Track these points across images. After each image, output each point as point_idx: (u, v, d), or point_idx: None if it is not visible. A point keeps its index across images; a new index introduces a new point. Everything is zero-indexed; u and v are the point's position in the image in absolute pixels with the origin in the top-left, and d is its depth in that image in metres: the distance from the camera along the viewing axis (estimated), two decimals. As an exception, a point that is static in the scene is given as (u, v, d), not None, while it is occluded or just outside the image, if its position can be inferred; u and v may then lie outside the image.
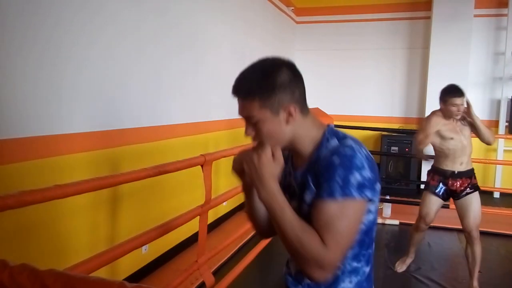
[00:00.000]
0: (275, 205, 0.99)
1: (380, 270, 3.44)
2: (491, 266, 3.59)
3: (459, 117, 2.98)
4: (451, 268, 3.66)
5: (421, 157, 3.16)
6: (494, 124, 6.21)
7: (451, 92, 2.92)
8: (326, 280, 0.98)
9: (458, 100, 2.90)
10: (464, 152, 3.02)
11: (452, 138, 2.98)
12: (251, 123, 1.06)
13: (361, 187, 0.97)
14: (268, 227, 1.20)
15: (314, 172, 1.04)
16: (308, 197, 1.06)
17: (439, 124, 3.03)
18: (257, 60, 1.07)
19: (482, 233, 4.35)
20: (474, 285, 3.02)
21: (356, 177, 0.97)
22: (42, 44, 2.13)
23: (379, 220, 4.78)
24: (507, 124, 6.07)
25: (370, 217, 1.07)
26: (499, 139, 6.06)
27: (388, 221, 4.78)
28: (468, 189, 3.04)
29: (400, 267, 3.46)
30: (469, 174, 3.06)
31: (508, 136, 5.89)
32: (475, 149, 3.15)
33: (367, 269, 1.15)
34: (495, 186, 6.11)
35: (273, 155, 1.02)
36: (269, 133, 1.05)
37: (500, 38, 6.21)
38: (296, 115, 1.06)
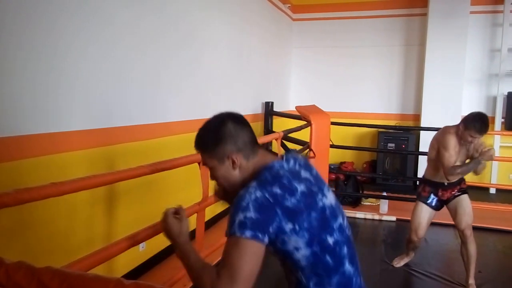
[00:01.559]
0: (183, 257, 1.20)
1: (377, 265, 3.45)
2: (487, 262, 3.61)
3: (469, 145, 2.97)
4: (448, 264, 3.68)
5: (477, 172, 3.10)
6: (490, 120, 6.21)
7: (477, 128, 2.81)
8: None
9: (479, 135, 2.85)
10: None
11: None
12: (209, 169, 1.30)
13: (241, 226, 1.08)
14: None
15: None
16: None
17: (456, 144, 2.99)
18: (210, 117, 1.30)
19: (479, 228, 4.39)
20: (470, 282, 3.04)
21: (238, 217, 1.10)
22: (39, 42, 2.12)
23: (376, 217, 4.80)
24: (503, 120, 6.10)
25: (303, 252, 1.16)
26: (495, 135, 6.08)
27: (385, 217, 4.80)
28: (456, 192, 3.12)
29: (397, 263, 3.48)
30: (458, 182, 3.13)
31: (504, 133, 5.91)
32: (471, 145, 3.15)
33: (351, 270, 1.23)
34: (491, 182, 6.13)
35: (177, 214, 1.30)
36: (221, 177, 1.28)
37: (496, 35, 6.22)
38: (238, 161, 1.24)
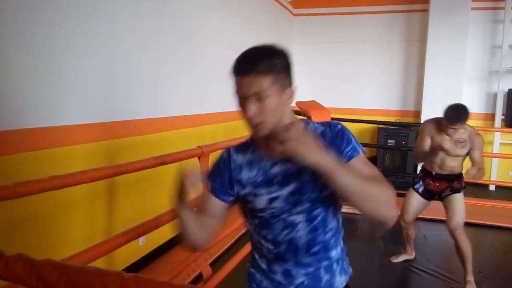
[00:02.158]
0: (341, 169, 0.99)
1: (376, 261, 3.46)
2: (486, 259, 3.62)
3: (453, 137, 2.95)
4: (446, 260, 3.68)
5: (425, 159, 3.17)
6: (491, 117, 6.23)
7: (448, 118, 2.84)
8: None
9: (451, 126, 2.85)
10: (444, 162, 3.06)
11: (435, 146, 2.99)
12: (257, 99, 1.06)
13: (360, 145, 1.16)
14: (198, 243, 1.22)
15: (326, 145, 1.11)
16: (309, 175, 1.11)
17: (432, 131, 3.05)
18: (258, 45, 1.11)
19: (478, 225, 4.40)
20: (468, 279, 3.02)
21: (355, 140, 1.16)
22: (40, 37, 2.11)
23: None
24: (503, 117, 6.09)
25: None
26: (495, 132, 6.08)
27: (384, 214, 4.79)
28: (447, 191, 3.09)
29: (395, 258, 3.50)
30: (449, 178, 3.10)
31: (504, 130, 5.91)
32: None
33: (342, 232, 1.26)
34: (491, 179, 6.14)
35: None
36: (274, 110, 1.07)
37: (497, 31, 6.20)
38: (292, 98, 1.13)
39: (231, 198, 1.22)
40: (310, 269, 1.18)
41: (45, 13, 2.15)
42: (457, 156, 3.02)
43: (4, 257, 0.83)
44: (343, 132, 1.15)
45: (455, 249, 3.11)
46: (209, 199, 1.22)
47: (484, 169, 3.00)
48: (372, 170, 1.12)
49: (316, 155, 0.96)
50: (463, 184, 3.13)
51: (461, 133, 2.93)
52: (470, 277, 3.03)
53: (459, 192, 3.08)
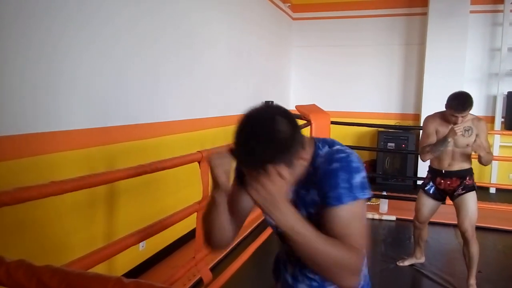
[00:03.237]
0: (299, 228, 0.95)
1: (377, 265, 3.45)
2: (488, 261, 3.61)
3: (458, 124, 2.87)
4: (448, 263, 3.68)
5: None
6: (490, 120, 6.23)
7: (453, 106, 2.80)
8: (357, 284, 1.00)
9: (458, 114, 2.81)
10: (454, 157, 3.00)
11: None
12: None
13: (363, 187, 1.01)
14: (223, 241, 1.20)
15: (314, 183, 1.06)
16: (309, 210, 1.09)
17: (436, 126, 3.01)
18: (251, 118, 1.00)
19: (479, 228, 4.36)
20: (470, 282, 3.00)
21: (357, 179, 1.01)
22: (39, 42, 2.11)
23: (376, 216, 4.80)
24: (503, 120, 6.10)
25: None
26: (495, 135, 6.08)
27: (385, 217, 4.79)
28: (460, 190, 3.01)
29: (402, 262, 3.48)
30: (460, 174, 3.02)
31: (504, 132, 5.90)
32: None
33: (365, 271, 1.19)
34: (491, 182, 6.13)
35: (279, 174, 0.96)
36: (290, 180, 1.01)
37: (496, 34, 6.22)
38: (305, 155, 1.06)
39: None
40: (314, 284, 1.17)
41: (44, 18, 2.15)
42: (466, 146, 2.94)
43: (5, 263, 0.83)
44: (335, 173, 1.02)
45: (462, 250, 3.07)
46: (240, 192, 1.18)
47: (492, 153, 2.92)
48: (350, 228, 0.99)
49: (277, 212, 0.94)
50: (474, 181, 3.05)
51: (466, 120, 2.89)
52: (473, 280, 3.00)
53: (472, 190, 2.99)
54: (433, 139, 3.00)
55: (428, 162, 3.21)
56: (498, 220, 4.60)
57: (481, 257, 3.11)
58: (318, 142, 1.12)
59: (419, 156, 3.08)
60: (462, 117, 2.81)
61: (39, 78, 2.14)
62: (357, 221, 1.00)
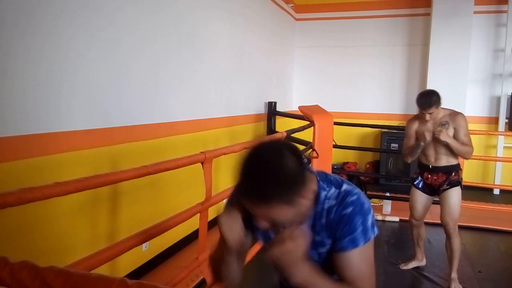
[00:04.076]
0: (317, 282, 0.99)
1: (381, 267, 3.45)
2: (490, 263, 3.60)
3: (430, 121, 3.00)
4: (451, 265, 3.67)
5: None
6: (494, 121, 6.21)
7: (418, 104, 2.97)
8: None
9: (423, 111, 2.94)
10: (437, 151, 3.07)
11: (421, 137, 3.00)
12: (274, 224, 1.00)
13: (373, 227, 1.06)
14: (234, 281, 1.24)
15: (324, 226, 1.08)
16: (319, 251, 1.11)
17: (415, 127, 3.16)
18: (260, 151, 0.98)
19: (482, 229, 4.38)
20: (452, 276, 3.07)
21: (370, 221, 1.05)
22: (40, 43, 2.12)
23: (379, 217, 4.79)
24: (507, 121, 6.07)
25: None
26: (499, 136, 6.06)
27: (388, 218, 4.79)
28: (445, 185, 3.07)
29: (405, 265, 3.48)
30: (447, 170, 3.08)
31: (508, 133, 5.88)
32: (475, 145, 3.14)
33: None
34: (495, 183, 6.11)
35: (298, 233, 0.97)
36: (294, 219, 1.01)
37: (500, 35, 6.20)
38: (308, 195, 1.03)
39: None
40: None
41: (46, 18, 2.16)
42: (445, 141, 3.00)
43: (9, 264, 0.83)
44: (350, 218, 1.03)
45: (445, 244, 3.12)
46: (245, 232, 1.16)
47: (471, 146, 2.97)
48: (361, 269, 1.04)
49: (295, 270, 0.96)
50: (461, 177, 3.10)
51: (442, 116, 2.99)
52: (455, 274, 3.07)
53: (457, 186, 3.05)
54: (412, 141, 3.17)
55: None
56: (502, 221, 4.58)
57: (484, 258, 3.12)
58: (321, 181, 1.10)
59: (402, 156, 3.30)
60: (430, 113, 2.92)
61: (41, 79, 2.15)
62: (368, 262, 1.05)
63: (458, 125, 2.95)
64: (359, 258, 1.04)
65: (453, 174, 3.07)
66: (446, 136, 2.89)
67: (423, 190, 3.22)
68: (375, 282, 1.07)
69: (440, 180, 3.10)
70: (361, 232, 1.03)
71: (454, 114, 3.00)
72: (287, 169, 0.94)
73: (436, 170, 3.10)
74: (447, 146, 2.98)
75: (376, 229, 1.06)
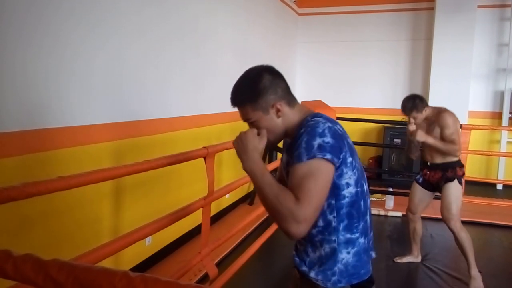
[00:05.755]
0: (257, 172, 1.17)
1: (383, 261, 3.45)
2: (493, 257, 3.60)
3: (417, 123, 3.07)
4: (454, 259, 3.66)
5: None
6: (498, 115, 6.18)
7: (401, 109, 3.10)
8: (301, 234, 1.09)
9: (407, 115, 3.08)
10: (431, 150, 3.12)
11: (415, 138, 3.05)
12: (251, 123, 1.28)
13: (321, 149, 1.13)
14: None
15: (291, 147, 1.23)
16: (287, 170, 1.29)
17: (412, 128, 3.17)
18: (243, 72, 1.30)
19: (486, 224, 4.38)
20: (472, 274, 2.99)
21: (317, 141, 1.13)
22: (52, 40, 2.13)
23: (382, 212, 4.79)
24: (510, 115, 6.05)
25: (351, 189, 1.22)
26: (503, 131, 6.03)
27: (390, 213, 4.79)
28: (442, 182, 3.11)
29: (399, 259, 3.49)
30: (443, 167, 3.12)
31: (512, 128, 5.87)
32: (478, 140, 3.15)
33: (363, 240, 1.27)
34: (498, 178, 6.09)
35: (258, 133, 1.24)
36: (266, 128, 1.26)
37: (504, 29, 6.16)
38: (283, 109, 1.26)
39: None
40: (301, 247, 1.32)
41: (57, 16, 2.16)
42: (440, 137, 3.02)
43: (12, 257, 0.84)
44: (300, 137, 1.17)
45: (455, 242, 3.10)
46: None
47: (455, 143, 2.97)
48: (302, 183, 1.10)
49: (244, 156, 1.21)
50: (459, 173, 3.10)
51: (431, 116, 3.06)
52: (474, 271, 2.99)
53: (452, 181, 3.08)
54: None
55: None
56: (505, 216, 4.58)
57: (487, 253, 3.11)
58: (310, 116, 1.25)
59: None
60: (413, 117, 3.04)
61: (52, 75, 2.16)
62: (310, 179, 1.10)
63: (442, 124, 2.98)
64: (301, 172, 1.11)
65: (449, 171, 3.09)
66: (422, 135, 2.98)
67: (422, 185, 3.28)
68: (318, 205, 1.12)
69: (437, 177, 3.15)
70: (305, 149, 1.13)
71: (438, 113, 3.03)
72: (257, 80, 1.25)
73: (434, 167, 3.17)
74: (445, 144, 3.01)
75: (328, 154, 1.12)
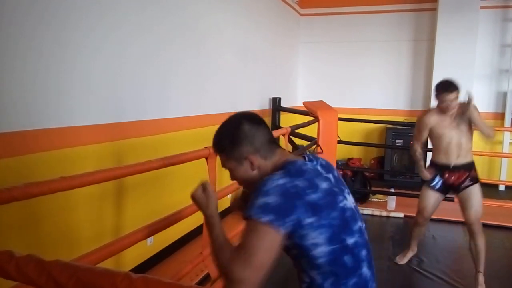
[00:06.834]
0: (207, 226, 1.24)
1: (385, 262, 3.45)
2: (495, 259, 3.58)
3: (451, 112, 2.93)
4: (456, 261, 3.66)
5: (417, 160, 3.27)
6: (500, 116, 6.17)
7: (441, 88, 2.89)
8: None
9: (448, 96, 2.86)
10: (460, 147, 2.98)
11: (443, 134, 2.96)
12: (229, 171, 1.32)
13: (260, 210, 1.10)
14: None
15: None
16: None
17: (431, 123, 3.06)
18: (226, 119, 1.33)
19: (487, 225, 4.34)
20: (479, 280, 2.95)
21: (259, 201, 1.11)
22: (52, 40, 2.13)
23: (384, 213, 4.78)
24: (513, 116, 6.03)
25: (323, 249, 1.15)
26: (505, 132, 6.02)
27: (392, 214, 4.78)
28: (467, 181, 3.01)
29: (401, 260, 3.46)
30: (467, 167, 3.02)
31: (514, 129, 5.85)
32: (480, 141, 3.12)
33: (366, 271, 1.23)
34: (501, 179, 6.07)
35: (204, 190, 1.31)
36: (240, 178, 1.31)
37: (506, 30, 6.14)
38: (256, 162, 1.26)
39: None
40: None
41: (56, 17, 2.16)
42: (467, 130, 2.96)
43: (15, 258, 0.84)
44: (255, 194, 1.15)
45: (469, 246, 3.05)
46: None
47: (492, 127, 2.97)
48: (242, 241, 1.09)
49: (197, 206, 1.32)
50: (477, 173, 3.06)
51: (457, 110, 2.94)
52: (482, 278, 2.94)
53: (477, 182, 3.01)
54: (424, 135, 3.14)
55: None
56: (507, 217, 4.56)
57: (489, 254, 3.09)
58: (289, 164, 1.23)
59: (411, 150, 3.34)
60: (453, 98, 2.85)
61: (51, 76, 2.16)
62: (248, 239, 1.07)
63: (471, 109, 2.87)
64: (245, 230, 1.11)
65: (473, 170, 3.02)
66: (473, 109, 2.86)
67: (440, 190, 3.13)
68: (259, 266, 1.06)
69: (463, 177, 3.02)
70: (249, 208, 1.13)
71: (462, 102, 2.94)
72: (234, 131, 1.26)
73: (458, 168, 3.01)
74: (471, 137, 2.96)
75: (265, 216, 1.08)
